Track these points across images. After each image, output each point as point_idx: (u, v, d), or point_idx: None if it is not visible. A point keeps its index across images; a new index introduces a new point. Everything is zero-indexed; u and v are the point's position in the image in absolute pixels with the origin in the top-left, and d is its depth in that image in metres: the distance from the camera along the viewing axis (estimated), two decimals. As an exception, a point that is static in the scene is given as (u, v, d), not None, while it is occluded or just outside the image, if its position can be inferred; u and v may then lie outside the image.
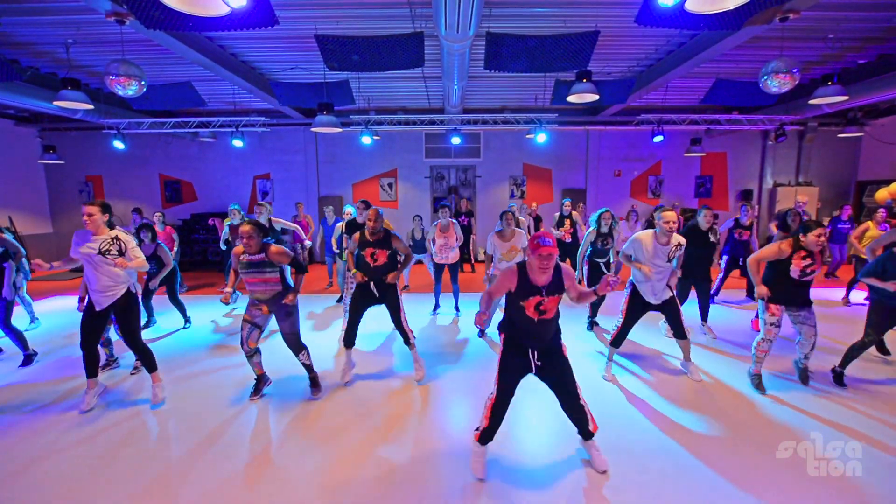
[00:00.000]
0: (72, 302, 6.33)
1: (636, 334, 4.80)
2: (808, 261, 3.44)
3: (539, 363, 2.70)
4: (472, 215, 8.02)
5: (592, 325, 5.44)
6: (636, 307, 3.96)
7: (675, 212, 3.74)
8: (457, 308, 6.11)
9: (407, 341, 4.06)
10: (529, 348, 2.70)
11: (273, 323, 3.83)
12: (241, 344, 3.62)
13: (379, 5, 4.99)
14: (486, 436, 2.74)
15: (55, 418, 3.45)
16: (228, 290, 3.65)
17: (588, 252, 5.31)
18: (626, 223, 8.32)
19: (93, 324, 3.49)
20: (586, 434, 2.82)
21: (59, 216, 11.12)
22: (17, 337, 4.50)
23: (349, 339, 4.05)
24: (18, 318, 5.61)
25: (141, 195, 11.24)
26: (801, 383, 3.82)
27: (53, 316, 6.24)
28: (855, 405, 3.51)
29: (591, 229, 5.23)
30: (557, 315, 2.71)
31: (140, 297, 3.73)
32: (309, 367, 3.77)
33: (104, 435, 3.22)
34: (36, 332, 5.51)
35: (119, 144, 8.67)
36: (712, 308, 5.76)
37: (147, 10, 3.97)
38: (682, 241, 3.83)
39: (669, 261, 3.78)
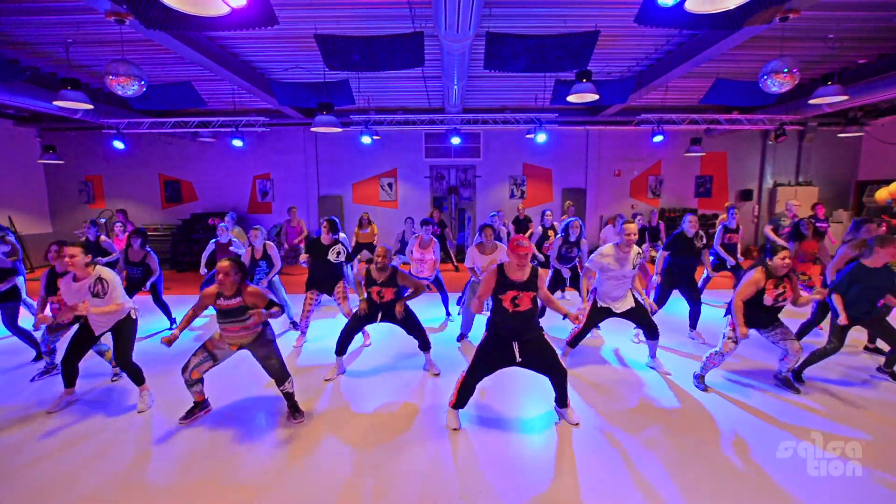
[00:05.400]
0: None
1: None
2: (781, 289, 3.45)
3: (521, 358, 3.10)
4: (444, 226, 8.29)
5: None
6: (596, 313, 4.11)
7: (636, 223, 3.92)
8: (447, 313, 6.01)
9: (425, 347, 4.20)
10: (512, 340, 3.10)
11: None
12: (183, 370, 3.22)
13: (379, 5, 4.99)
14: (458, 405, 3.26)
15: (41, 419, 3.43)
16: (177, 332, 3.08)
17: (556, 256, 5.46)
18: (612, 228, 7.57)
19: (83, 343, 3.48)
20: (563, 402, 3.30)
21: (58, 216, 11.12)
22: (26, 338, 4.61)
23: (342, 348, 4.13)
24: (25, 320, 5.59)
25: (140, 195, 11.25)
26: (793, 392, 3.69)
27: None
28: (855, 405, 3.51)
29: (559, 236, 5.38)
30: (534, 311, 3.09)
31: (137, 324, 3.58)
32: (290, 395, 3.36)
33: (93, 438, 3.17)
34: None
35: (119, 144, 8.68)
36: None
37: (146, 10, 3.96)
38: (640, 250, 4.01)
39: (634, 268, 3.96)
